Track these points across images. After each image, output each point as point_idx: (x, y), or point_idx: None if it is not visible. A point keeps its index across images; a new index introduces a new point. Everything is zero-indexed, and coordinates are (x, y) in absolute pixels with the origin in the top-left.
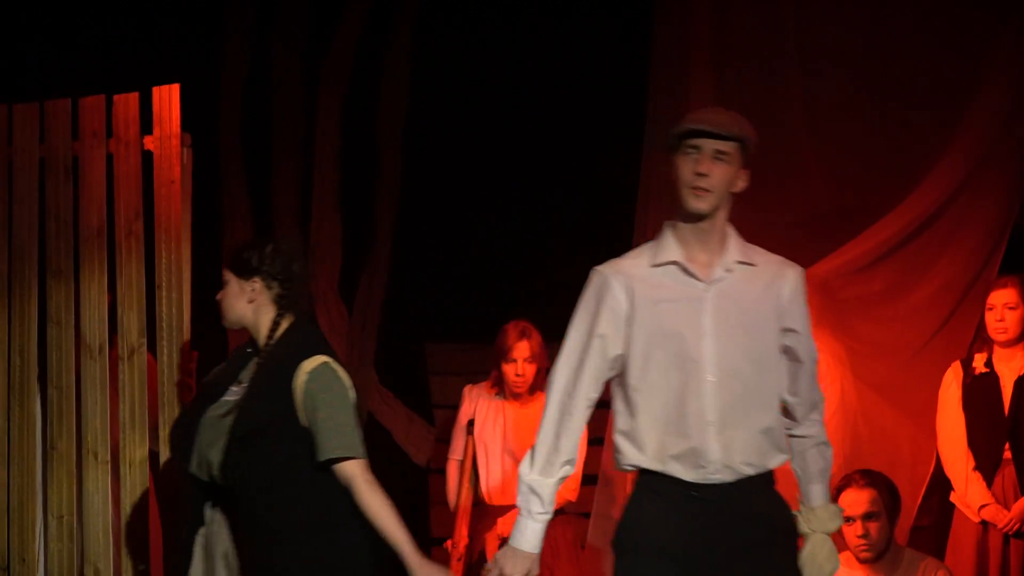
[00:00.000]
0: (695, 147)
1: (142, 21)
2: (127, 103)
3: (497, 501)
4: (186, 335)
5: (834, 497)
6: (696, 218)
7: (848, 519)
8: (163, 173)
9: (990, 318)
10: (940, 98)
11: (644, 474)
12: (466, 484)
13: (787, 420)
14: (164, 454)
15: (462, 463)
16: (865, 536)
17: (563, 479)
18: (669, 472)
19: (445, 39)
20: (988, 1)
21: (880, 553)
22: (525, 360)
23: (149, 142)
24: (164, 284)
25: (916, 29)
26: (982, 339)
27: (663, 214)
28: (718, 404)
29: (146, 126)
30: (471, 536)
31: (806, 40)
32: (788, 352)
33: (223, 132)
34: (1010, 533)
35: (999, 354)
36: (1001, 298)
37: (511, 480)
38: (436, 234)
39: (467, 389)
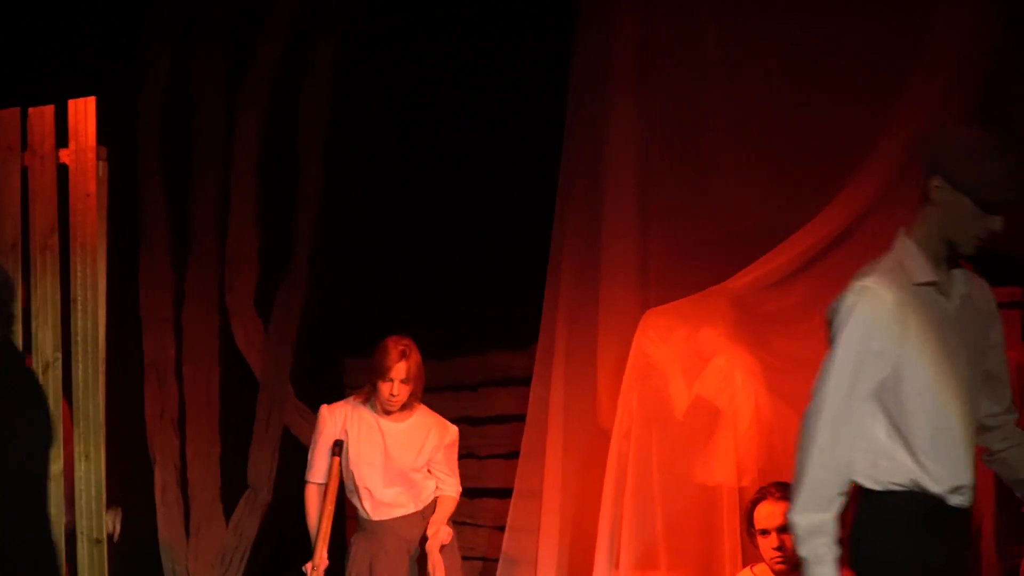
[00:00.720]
0: (998, 210)
1: (59, 33)
2: (42, 116)
3: (381, 517)
4: (102, 350)
5: (750, 510)
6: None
7: (763, 531)
8: (79, 186)
9: None
10: (859, 113)
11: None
12: (329, 508)
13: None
14: (80, 468)
15: (325, 486)
16: (780, 548)
17: None
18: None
19: (367, 55)
20: (904, 24)
21: (795, 565)
22: (402, 381)
23: (65, 155)
24: (79, 298)
25: (836, 47)
26: None
27: (579, 235)
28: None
29: (62, 139)
30: (353, 555)
31: (728, 56)
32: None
33: (141, 145)
34: None
35: None
36: None
37: (395, 494)
38: (355, 249)
39: (326, 409)
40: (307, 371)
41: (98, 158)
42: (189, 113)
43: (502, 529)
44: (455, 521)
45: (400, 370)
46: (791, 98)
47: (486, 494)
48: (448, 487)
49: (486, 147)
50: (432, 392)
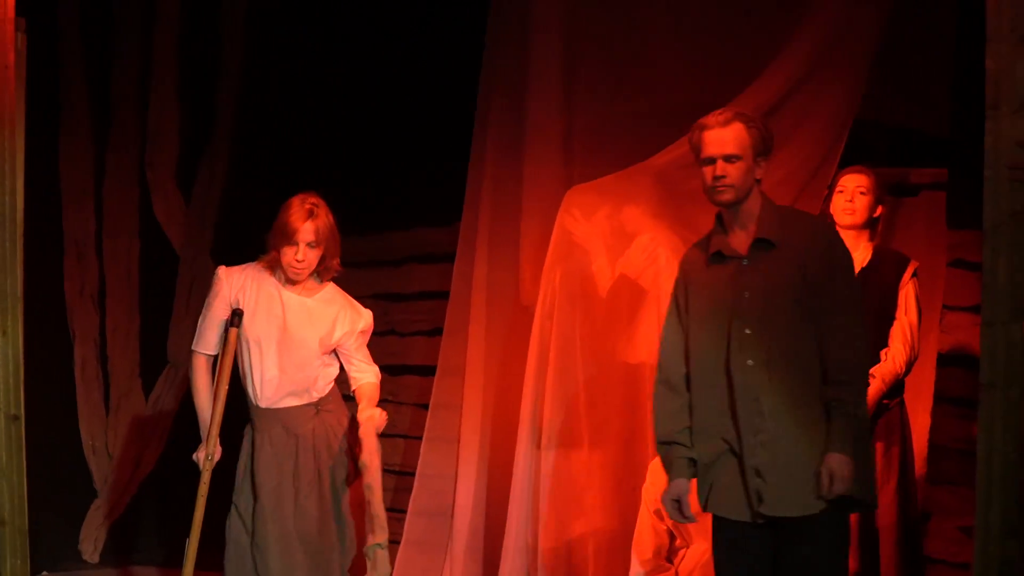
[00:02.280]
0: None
1: None
2: None
3: (269, 403)
4: (20, 224)
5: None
6: None
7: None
8: None
9: (839, 200)
10: None
11: None
12: (223, 387)
13: None
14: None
15: (218, 360)
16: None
17: None
18: None
19: None
20: None
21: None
22: (309, 244)
23: None
24: None
25: None
26: None
27: (503, 112)
28: None
29: None
30: (242, 449)
31: None
32: None
33: (60, 16)
34: None
35: None
36: (853, 181)
37: (288, 379)
38: (278, 123)
39: (223, 272)
40: (228, 246)
41: (16, 29)
42: None
43: (425, 407)
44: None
45: (307, 231)
46: None
47: (408, 371)
48: (367, 374)
49: (412, 21)
50: (355, 267)
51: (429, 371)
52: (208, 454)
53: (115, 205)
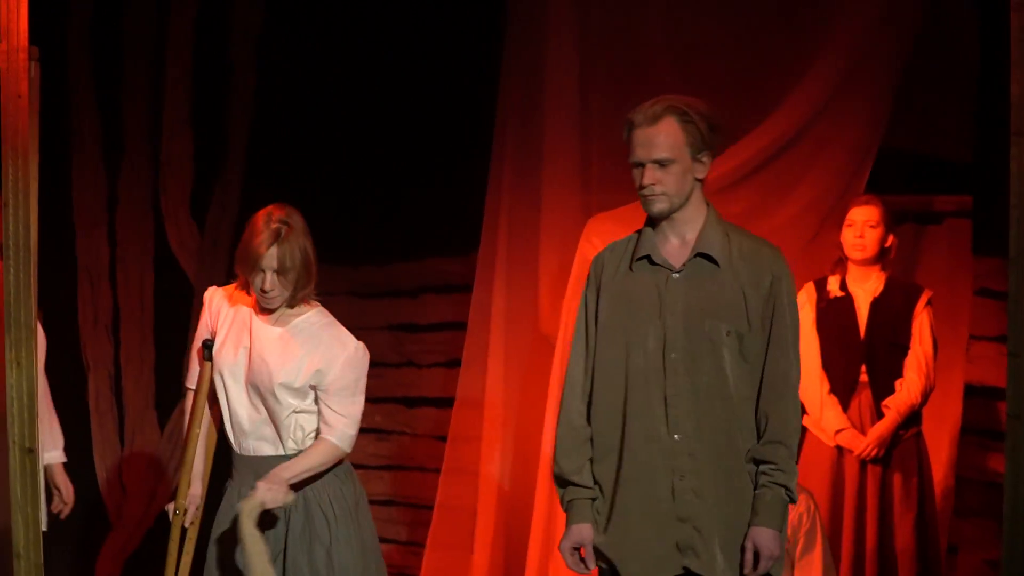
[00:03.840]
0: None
1: None
2: None
3: (245, 451)
4: (33, 254)
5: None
6: None
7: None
8: (10, 87)
9: (848, 235)
10: (806, 15)
11: None
12: (194, 430)
13: None
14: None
15: (193, 396)
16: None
17: None
18: None
19: None
20: None
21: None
22: (276, 271)
23: None
24: (11, 202)
25: None
26: (836, 261)
27: (521, 138)
28: None
29: None
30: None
31: None
32: None
33: (72, 45)
34: (866, 459)
35: (853, 275)
36: (862, 215)
37: (261, 422)
38: (291, 151)
39: (208, 293)
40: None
41: (30, 58)
42: (121, 11)
43: (442, 439)
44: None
45: (272, 258)
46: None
47: (425, 403)
48: (331, 432)
49: (427, 50)
50: (370, 298)
51: (446, 403)
52: (178, 507)
53: (128, 234)
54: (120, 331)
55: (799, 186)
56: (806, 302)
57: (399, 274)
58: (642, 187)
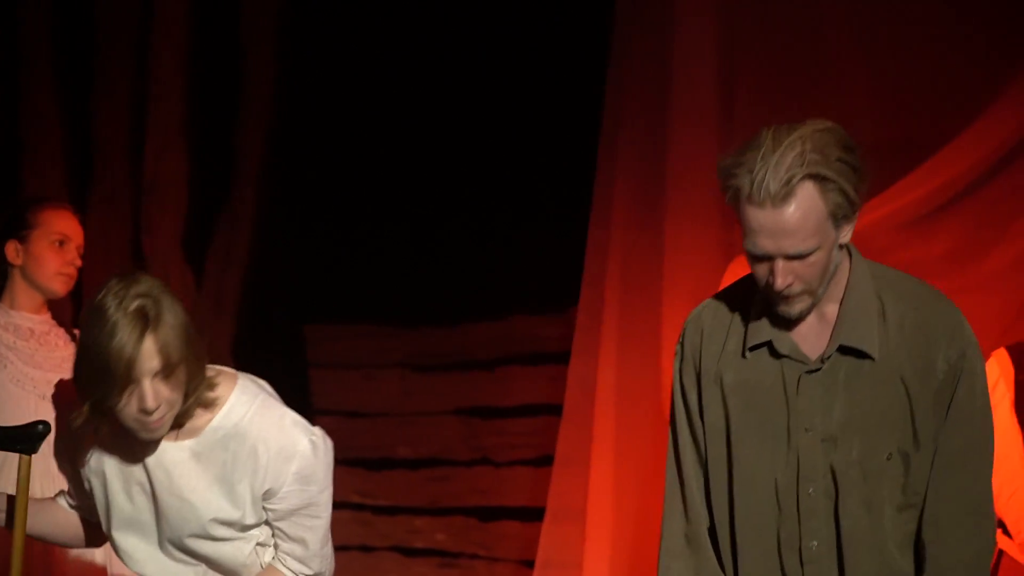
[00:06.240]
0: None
1: None
2: None
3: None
4: None
5: None
6: None
7: None
8: None
9: None
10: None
11: None
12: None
13: None
14: None
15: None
16: None
17: None
18: None
19: None
20: None
21: None
22: (156, 377)
23: None
24: None
25: None
26: None
27: (635, 161)
28: None
29: None
30: None
31: None
32: None
33: (27, 40)
34: None
35: None
36: None
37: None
38: (321, 175)
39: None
40: (254, 341)
41: None
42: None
43: (529, 565)
44: (463, 554)
45: (148, 356)
46: None
47: (505, 515)
48: (287, 560)
49: (507, 41)
50: (429, 372)
51: (535, 515)
52: None
53: (101, 284)
54: None
55: (1018, 221)
56: (999, 377)
57: (471, 339)
58: (768, 285)
